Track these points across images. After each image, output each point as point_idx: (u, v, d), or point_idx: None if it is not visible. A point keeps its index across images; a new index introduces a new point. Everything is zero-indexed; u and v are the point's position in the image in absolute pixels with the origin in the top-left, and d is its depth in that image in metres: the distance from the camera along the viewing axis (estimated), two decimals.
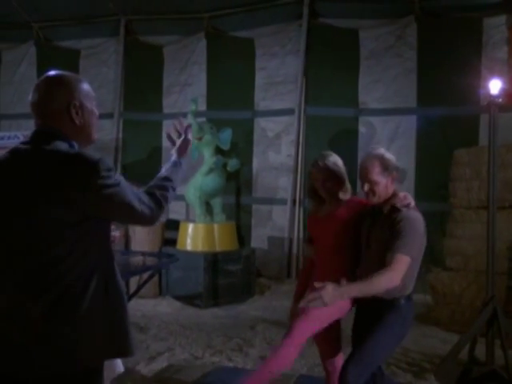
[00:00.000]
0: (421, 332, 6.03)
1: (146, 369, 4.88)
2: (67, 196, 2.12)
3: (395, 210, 3.27)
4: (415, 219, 3.23)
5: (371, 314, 3.30)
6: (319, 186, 3.65)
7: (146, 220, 2.32)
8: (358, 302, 3.43)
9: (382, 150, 3.41)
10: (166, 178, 2.48)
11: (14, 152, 2.25)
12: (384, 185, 3.32)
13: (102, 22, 9.55)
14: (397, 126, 8.16)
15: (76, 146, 2.28)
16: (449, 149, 7.41)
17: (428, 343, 5.69)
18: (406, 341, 5.65)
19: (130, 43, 9.47)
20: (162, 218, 9.24)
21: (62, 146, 2.22)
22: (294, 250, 8.48)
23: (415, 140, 8.06)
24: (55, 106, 2.27)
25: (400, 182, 8.03)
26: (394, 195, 3.34)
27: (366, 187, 3.33)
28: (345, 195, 3.66)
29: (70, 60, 9.55)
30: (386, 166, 3.32)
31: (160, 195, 2.37)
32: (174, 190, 2.47)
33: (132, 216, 2.28)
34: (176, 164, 2.59)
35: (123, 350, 2.27)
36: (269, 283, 8.13)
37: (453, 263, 6.40)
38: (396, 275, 3.06)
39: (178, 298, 7.42)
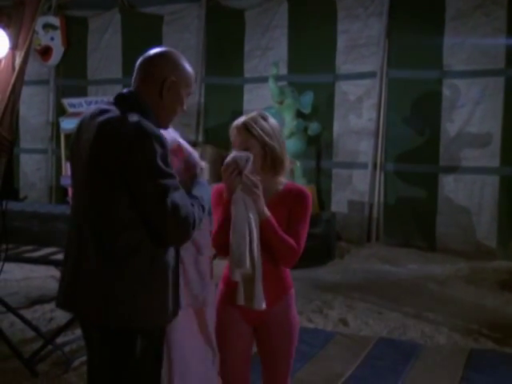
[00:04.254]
0: (505, 299, 5.95)
1: None
2: (113, 162, 2.13)
3: None
4: None
5: None
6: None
7: (173, 228, 2.16)
8: None
9: None
10: (195, 197, 2.32)
11: (91, 113, 2.30)
12: None
13: None
14: (483, 89, 7.90)
15: (153, 119, 2.26)
16: None
17: None
18: (489, 308, 5.64)
19: (212, 8, 9.49)
20: None
21: (134, 116, 2.18)
22: (375, 214, 8.45)
23: (502, 102, 7.79)
24: (154, 73, 2.31)
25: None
26: None
27: None
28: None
29: (154, 26, 9.70)
30: None
31: (198, 215, 2.22)
32: (204, 209, 2.31)
33: (159, 213, 2.14)
34: (202, 184, 2.45)
35: (157, 318, 2.28)
36: (348, 247, 8.15)
37: None
38: None
39: None
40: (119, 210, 2.17)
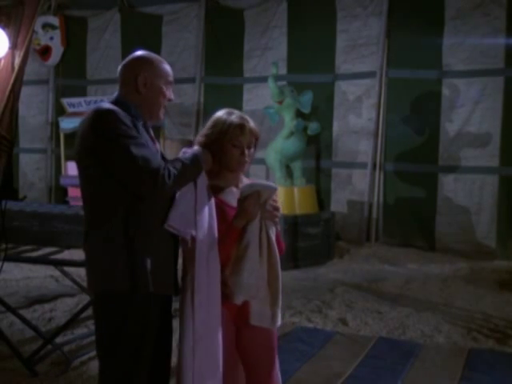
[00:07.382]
0: (504, 299, 5.95)
1: None
2: (85, 143, 2.44)
3: None
4: None
5: None
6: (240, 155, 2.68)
7: (145, 182, 2.36)
8: None
9: None
10: (180, 161, 2.49)
11: None
12: None
13: None
14: (483, 88, 7.90)
15: (136, 111, 2.52)
16: None
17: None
18: (488, 307, 5.64)
19: (211, 8, 9.49)
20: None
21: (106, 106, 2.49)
22: (374, 214, 8.46)
23: (502, 102, 7.79)
24: (127, 75, 2.57)
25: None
26: None
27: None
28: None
29: (153, 26, 9.71)
30: None
31: (172, 168, 2.41)
32: (186, 171, 2.47)
33: (131, 172, 2.36)
34: (195, 158, 2.56)
35: (138, 285, 2.45)
36: (348, 247, 8.16)
37: None
38: None
39: None
40: (87, 185, 2.51)
